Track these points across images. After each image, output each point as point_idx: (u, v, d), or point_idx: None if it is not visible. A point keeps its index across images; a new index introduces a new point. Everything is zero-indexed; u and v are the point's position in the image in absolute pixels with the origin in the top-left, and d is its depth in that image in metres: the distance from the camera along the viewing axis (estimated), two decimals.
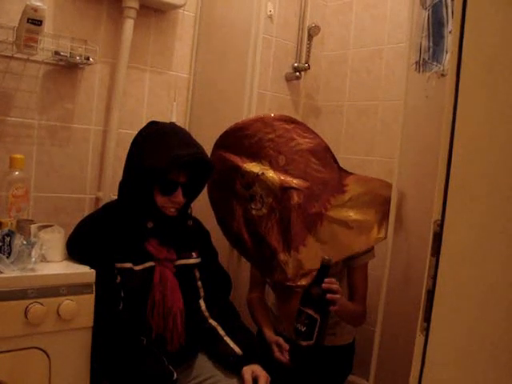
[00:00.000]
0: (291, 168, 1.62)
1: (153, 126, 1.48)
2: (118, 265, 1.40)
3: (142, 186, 1.41)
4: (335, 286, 1.46)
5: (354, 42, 2.41)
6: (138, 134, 1.49)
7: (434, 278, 0.78)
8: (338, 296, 1.46)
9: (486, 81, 0.76)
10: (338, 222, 1.60)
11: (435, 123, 0.92)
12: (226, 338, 1.49)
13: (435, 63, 1.34)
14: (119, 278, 1.40)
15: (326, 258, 1.50)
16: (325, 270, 1.50)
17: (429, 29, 1.37)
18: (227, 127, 1.70)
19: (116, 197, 1.57)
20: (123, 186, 1.49)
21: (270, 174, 1.62)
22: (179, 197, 1.44)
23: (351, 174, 1.69)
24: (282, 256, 1.58)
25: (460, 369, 0.79)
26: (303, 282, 1.56)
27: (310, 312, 1.46)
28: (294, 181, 1.60)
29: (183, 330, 1.45)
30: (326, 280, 1.46)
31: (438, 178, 0.79)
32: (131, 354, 1.35)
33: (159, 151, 1.39)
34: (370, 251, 1.66)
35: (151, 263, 1.44)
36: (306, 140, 1.65)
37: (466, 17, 0.76)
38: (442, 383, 0.81)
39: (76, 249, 1.45)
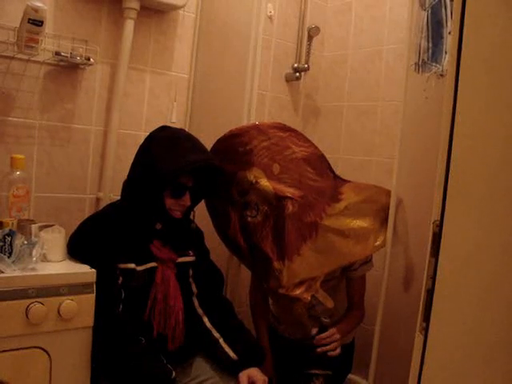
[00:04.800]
0: (285, 177, 1.60)
1: (165, 130, 1.50)
2: (122, 265, 1.40)
3: (155, 188, 1.42)
4: (335, 337, 1.56)
5: (354, 42, 2.42)
6: (149, 137, 1.50)
7: (434, 278, 0.79)
8: (337, 350, 1.55)
9: (485, 81, 0.76)
10: (334, 231, 1.57)
11: (434, 124, 0.93)
12: (221, 342, 1.49)
13: (434, 64, 1.35)
14: (121, 278, 1.40)
15: (325, 320, 1.59)
16: (323, 331, 1.59)
17: (428, 29, 1.37)
18: (227, 128, 1.69)
19: (116, 197, 1.57)
20: (130, 188, 1.49)
21: (264, 182, 1.59)
22: (187, 200, 1.47)
23: (347, 181, 1.67)
24: (277, 264, 1.56)
25: (459, 368, 0.79)
26: (297, 291, 1.54)
27: (320, 372, 1.54)
28: (289, 190, 1.58)
29: (183, 328, 1.46)
30: (323, 342, 1.57)
31: (437, 179, 0.79)
32: (130, 353, 1.35)
33: (175, 155, 1.41)
34: (368, 262, 1.65)
35: (153, 264, 1.45)
36: (301, 148, 1.63)
37: (466, 17, 0.76)
38: (441, 382, 0.81)
39: (78, 249, 1.45)
